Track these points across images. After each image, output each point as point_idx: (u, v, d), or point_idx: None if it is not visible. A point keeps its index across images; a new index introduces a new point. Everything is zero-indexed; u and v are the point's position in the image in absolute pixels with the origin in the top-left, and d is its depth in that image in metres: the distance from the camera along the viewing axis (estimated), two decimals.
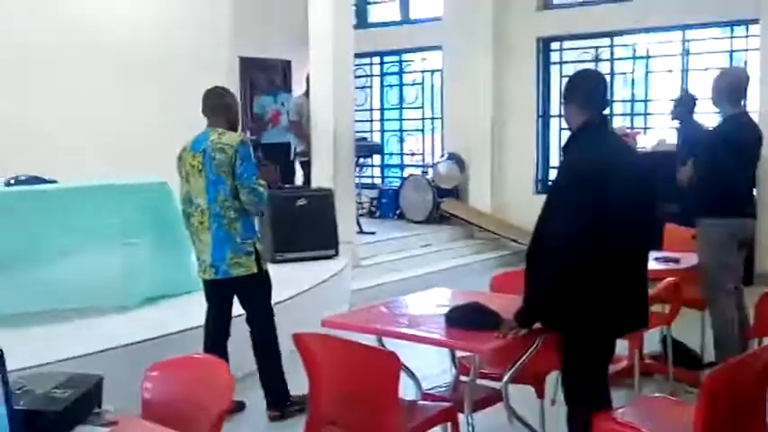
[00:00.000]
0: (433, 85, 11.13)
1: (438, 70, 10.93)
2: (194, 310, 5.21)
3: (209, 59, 9.07)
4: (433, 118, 11.13)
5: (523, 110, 10.05)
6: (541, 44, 10.00)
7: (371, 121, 11.85)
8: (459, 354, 3.76)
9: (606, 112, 3.20)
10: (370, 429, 2.95)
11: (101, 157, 7.25)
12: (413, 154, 11.63)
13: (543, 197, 10.10)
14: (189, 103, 8.51)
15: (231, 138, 4.29)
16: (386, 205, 10.79)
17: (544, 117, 10.12)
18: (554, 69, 10.08)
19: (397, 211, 10.48)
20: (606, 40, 9.66)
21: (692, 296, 4.91)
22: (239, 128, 4.55)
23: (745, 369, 2.83)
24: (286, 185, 8.80)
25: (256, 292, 4.41)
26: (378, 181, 11.78)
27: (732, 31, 8.80)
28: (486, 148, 10.18)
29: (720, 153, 4.70)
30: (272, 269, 6.83)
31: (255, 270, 4.32)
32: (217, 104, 4.42)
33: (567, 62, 10.02)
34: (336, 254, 7.27)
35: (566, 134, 9.80)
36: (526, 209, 9.85)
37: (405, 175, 11.21)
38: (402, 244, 9.19)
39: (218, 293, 4.45)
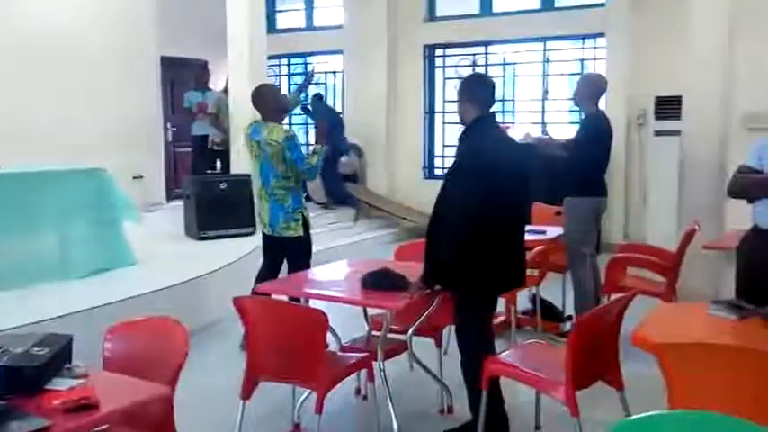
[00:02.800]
0: (335, 85, 11.16)
1: (339, 72, 10.98)
2: (131, 281, 5.16)
3: (133, 58, 8.86)
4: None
5: (413, 107, 10.25)
6: (428, 51, 10.21)
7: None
8: (371, 312, 3.90)
9: (494, 109, 3.36)
10: (301, 376, 3.05)
11: (37, 148, 7.00)
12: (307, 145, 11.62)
13: (430, 182, 10.49)
14: (116, 100, 8.41)
15: (279, 134, 4.60)
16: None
17: (430, 113, 10.35)
18: (438, 72, 10.32)
19: (305, 194, 10.44)
20: (482, 49, 9.96)
21: (556, 262, 5.23)
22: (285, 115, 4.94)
23: (603, 318, 3.08)
24: (208, 172, 8.71)
25: (299, 251, 4.77)
26: None
27: (583, 43, 9.25)
28: (381, 140, 10.34)
29: (585, 144, 4.99)
30: (198, 245, 6.91)
31: (302, 233, 4.73)
32: (258, 103, 4.78)
33: (449, 66, 10.27)
34: (255, 231, 7.26)
35: (448, 128, 10.19)
36: (415, 192, 10.16)
37: None
38: (311, 222, 9.21)
39: (270, 245, 4.87)
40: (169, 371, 2.43)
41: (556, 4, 9.32)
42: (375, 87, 10.27)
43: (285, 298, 3.70)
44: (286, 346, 3.01)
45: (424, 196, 10.00)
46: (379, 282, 3.36)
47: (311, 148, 4.72)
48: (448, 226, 3.14)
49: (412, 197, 10.14)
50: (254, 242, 6.98)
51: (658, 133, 7.91)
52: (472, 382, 3.26)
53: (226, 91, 8.40)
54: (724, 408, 2.18)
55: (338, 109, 11.02)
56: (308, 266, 4.58)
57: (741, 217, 5.51)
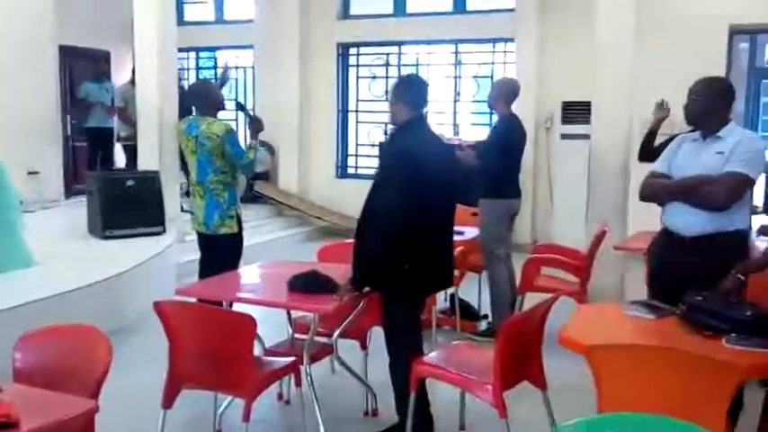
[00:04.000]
0: (245, 80, 10.92)
1: (250, 67, 10.76)
2: (31, 284, 4.86)
3: (29, 46, 8.36)
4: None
5: (326, 105, 10.18)
6: (341, 49, 10.16)
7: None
8: (294, 314, 3.82)
9: (425, 110, 3.36)
10: (227, 384, 2.95)
11: None
12: None
13: (344, 181, 10.43)
14: (9, 90, 7.89)
15: (219, 128, 4.55)
16: None
17: (343, 112, 10.31)
18: (352, 71, 10.29)
19: None
20: (395, 48, 10.01)
21: (473, 262, 5.32)
22: (221, 109, 4.81)
23: (529, 320, 3.15)
24: (111, 168, 8.35)
25: (233, 249, 4.69)
26: None
27: (494, 46, 9.46)
28: (293, 137, 10.21)
29: (498, 146, 5.09)
30: (104, 245, 6.59)
31: (236, 230, 4.67)
32: (193, 98, 4.78)
33: (362, 65, 10.27)
34: (164, 230, 7.00)
35: (361, 127, 10.17)
36: (328, 190, 10.11)
37: None
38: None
39: (205, 243, 4.76)
40: (90, 382, 2.29)
41: (468, 8, 9.47)
42: (287, 84, 10.12)
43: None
44: (211, 352, 2.90)
45: (338, 195, 10.04)
46: (306, 284, 3.30)
47: (247, 143, 4.66)
48: (378, 227, 3.12)
49: (325, 196, 10.08)
50: (166, 241, 6.76)
51: (564, 137, 8.21)
52: (400, 384, 3.26)
53: (132, 83, 8.04)
54: (651, 406, 2.28)
55: (249, 105, 10.79)
56: (236, 266, 4.52)
57: (644, 218, 5.83)
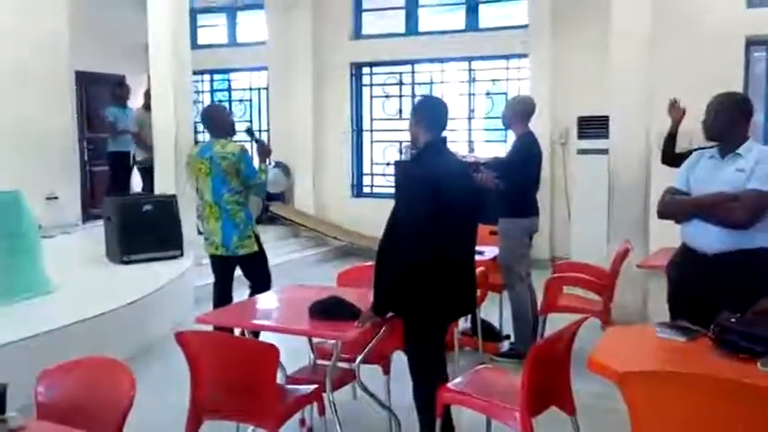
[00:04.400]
0: (260, 102, 10.96)
1: (264, 88, 10.80)
2: (51, 310, 4.85)
3: (46, 73, 8.44)
4: (260, 130, 10.96)
5: (340, 124, 10.19)
6: (354, 69, 10.18)
7: (204, 132, 11.42)
8: (315, 339, 3.78)
9: (445, 133, 3.33)
10: (251, 414, 2.90)
11: None
12: None
13: (359, 200, 10.44)
14: (29, 116, 7.97)
15: (233, 148, 4.68)
16: None
17: (358, 131, 10.31)
18: (365, 90, 10.30)
19: None
20: (408, 67, 10.01)
21: (494, 281, 5.25)
22: (234, 133, 4.96)
23: (556, 343, 3.08)
24: (127, 192, 8.37)
25: (258, 265, 4.84)
26: None
27: (507, 62, 9.43)
28: (308, 158, 10.23)
29: (516, 165, 5.05)
30: (122, 270, 6.58)
31: (256, 248, 4.78)
32: (209, 121, 4.86)
33: (376, 84, 10.28)
34: (182, 254, 7.00)
35: (376, 146, 10.16)
36: (344, 210, 10.10)
37: None
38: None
39: (224, 266, 4.88)
40: (113, 417, 2.25)
41: (480, 25, 9.46)
42: (301, 104, 10.15)
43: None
44: (234, 382, 2.86)
45: (354, 215, 10.02)
46: (328, 310, 3.26)
47: (257, 167, 4.81)
48: (400, 252, 3.07)
49: (340, 216, 10.06)
50: (183, 265, 6.74)
51: (581, 152, 8.14)
52: (425, 410, 3.20)
53: (147, 107, 8.08)
54: None
55: (263, 126, 10.85)
56: (268, 276, 4.76)
57: (665, 234, 5.75)
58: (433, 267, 3.11)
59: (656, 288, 5.65)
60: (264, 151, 4.87)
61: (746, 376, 2.44)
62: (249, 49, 10.82)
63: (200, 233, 8.22)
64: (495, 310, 5.57)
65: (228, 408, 2.91)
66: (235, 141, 4.82)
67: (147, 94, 8.17)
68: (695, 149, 5.31)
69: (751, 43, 7.92)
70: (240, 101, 11.21)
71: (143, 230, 6.80)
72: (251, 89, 11.07)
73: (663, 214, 3.41)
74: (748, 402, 2.25)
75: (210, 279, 7.52)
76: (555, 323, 4.80)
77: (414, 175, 3.21)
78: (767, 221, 3.09)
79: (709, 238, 3.11)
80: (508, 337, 5.41)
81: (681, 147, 5.16)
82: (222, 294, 4.88)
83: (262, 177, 4.73)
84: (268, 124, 10.75)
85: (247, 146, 5.18)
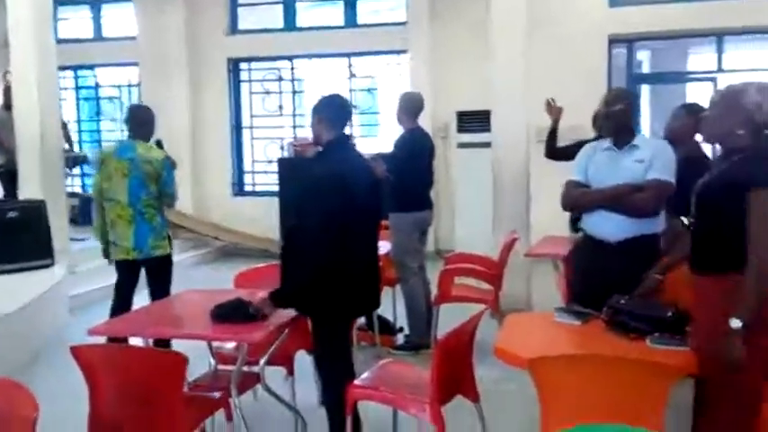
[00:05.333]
0: (130, 99, 10.49)
1: (135, 85, 10.35)
2: None
3: None
4: None
5: (218, 121, 9.96)
6: (231, 64, 9.97)
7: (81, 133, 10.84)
8: (215, 345, 3.69)
9: (348, 130, 3.34)
10: (157, 426, 2.79)
11: None
12: None
13: (240, 199, 10.20)
14: None
15: (158, 154, 4.71)
16: (89, 212, 9.92)
17: (237, 128, 10.11)
18: (244, 86, 10.12)
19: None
20: (287, 63, 9.93)
21: (387, 276, 5.33)
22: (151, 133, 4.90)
23: (462, 334, 3.18)
24: None
25: (167, 270, 4.82)
26: (78, 189, 10.81)
27: (387, 58, 9.56)
28: (185, 156, 9.88)
29: (404, 160, 5.14)
30: None
31: (169, 251, 4.82)
32: (138, 120, 4.77)
33: (255, 80, 10.12)
34: (53, 263, 6.59)
35: (257, 143, 10.02)
36: (225, 209, 9.88)
37: None
38: None
39: (132, 271, 4.81)
40: None
41: (359, 21, 9.54)
42: (176, 102, 9.82)
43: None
44: (138, 395, 2.74)
45: (235, 214, 9.82)
46: (231, 313, 3.18)
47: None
48: (307, 251, 3.06)
49: (221, 215, 9.85)
50: (54, 275, 6.36)
51: (462, 145, 8.42)
52: (335, 408, 3.21)
53: (7, 107, 7.51)
54: (595, 413, 2.36)
55: None
56: (168, 290, 4.69)
57: (545, 224, 6.06)
58: (340, 265, 3.12)
59: (538, 275, 5.96)
60: (171, 165, 4.88)
61: (639, 353, 2.64)
62: (117, 44, 10.33)
63: (73, 240, 7.82)
64: (389, 304, 5.65)
65: (133, 422, 2.79)
66: (157, 149, 4.80)
67: (7, 92, 7.60)
68: (576, 143, 5.66)
69: (613, 40, 8.49)
70: (110, 98, 10.69)
71: (8, 239, 6.34)
72: (120, 86, 10.57)
73: (568, 207, 3.58)
74: (644, 376, 2.44)
75: (88, 287, 7.29)
76: (446, 313, 4.97)
77: (319, 173, 3.19)
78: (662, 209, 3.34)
79: (613, 227, 3.30)
80: (402, 329, 5.52)
81: (571, 138, 5.47)
82: (124, 301, 4.76)
83: (177, 191, 4.84)
84: None
85: None
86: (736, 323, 2.40)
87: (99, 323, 3.29)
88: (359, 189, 3.15)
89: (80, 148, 10.85)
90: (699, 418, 2.66)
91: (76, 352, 2.75)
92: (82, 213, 9.92)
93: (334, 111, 3.29)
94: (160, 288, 4.64)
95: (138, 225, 4.65)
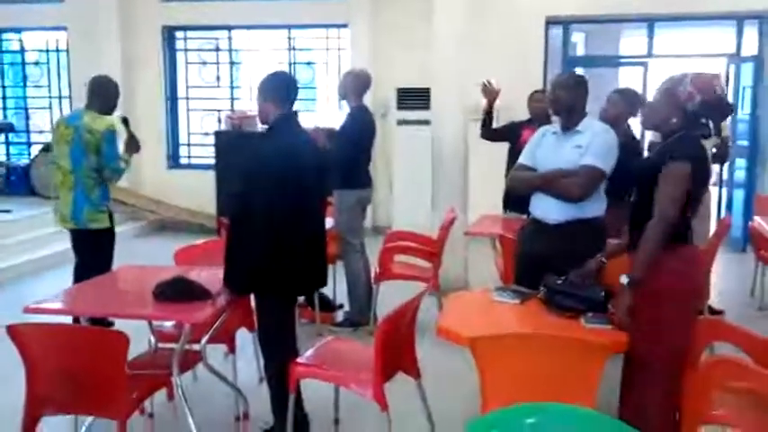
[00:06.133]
0: (59, 65, 10.08)
1: (64, 50, 9.93)
2: None
3: None
4: (60, 97, 10.12)
5: (153, 92, 9.67)
6: (166, 33, 9.68)
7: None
8: (155, 323, 3.65)
9: (295, 107, 3.32)
10: (98, 406, 2.77)
11: None
12: (41, 132, 10.45)
13: (176, 171, 9.96)
14: None
15: (101, 123, 4.68)
16: (14, 182, 9.59)
17: (173, 99, 9.86)
18: (180, 56, 9.85)
19: (30, 188, 9.39)
20: (225, 33, 9.72)
21: (328, 252, 5.34)
22: (114, 111, 4.94)
23: (404, 314, 3.24)
24: None
25: (106, 244, 4.77)
26: (2, 158, 10.38)
27: (327, 32, 9.47)
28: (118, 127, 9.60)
29: (348, 137, 5.15)
30: None
31: (108, 225, 4.75)
32: (96, 90, 4.79)
33: (191, 50, 9.86)
34: None
35: (193, 115, 9.81)
36: (160, 183, 9.66)
37: (33, 151, 10.09)
38: (40, 221, 8.25)
39: (76, 240, 4.81)
40: None
41: None
42: (107, 70, 9.16)
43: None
44: (78, 374, 2.70)
45: (171, 187, 9.61)
46: (175, 293, 3.16)
47: (120, 154, 4.85)
48: (252, 229, 3.05)
49: (157, 188, 9.63)
50: None
51: (401, 122, 8.46)
52: (278, 386, 3.24)
53: None
54: (533, 390, 2.47)
55: (65, 92, 10.03)
56: (111, 258, 4.73)
57: (482, 202, 6.19)
58: (288, 243, 3.13)
59: (475, 253, 6.10)
60: (134, 146, 4.95)
61: (574, 332, 2.76)
62: (44, 7, 9.85)
63: None
64: (329, 281, 5.67)
65: (72, 401, 2.76)
66: (106, 119, 4.75)
67: None
68: (509, 125, 5.79)
69: (549, 22, 8.64)
70: (36, 63, 10.25)
71: None
72: (48, 51, 10.14)
73: (512, 188, 3.70)
74: (580, 354, 2.56)
75: (12, 261, 7.07)
76: (385, 290, 5.05)
77: (266, 151, 3.17)
78: (599, 194, 3.47)
79: (550, 209, 3.43)
80: (341, 306, 5.56)
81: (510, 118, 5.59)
82: (81, 275, 4.67)
83: (120, 165, 4.74)
84: (69, 89, 9.92)
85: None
86: (624, 278, 2.71)
87: (34, 300, 3.21)
88: (306, 167, 3.16)
89: (4, 116, 10.42)
90: (625, 391, 2.82)
91: (12, 331, 2.69)
92: (8, 183, 9.56)
93: (280, 89, 3.27)
94: (97, 263, 4.52)
95: (76, 194, 4.66)
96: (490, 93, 5.62)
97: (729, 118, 6.56)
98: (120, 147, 4.90)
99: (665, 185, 2.67)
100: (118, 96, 4.94)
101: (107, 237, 4.80)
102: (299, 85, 3.39)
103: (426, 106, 7.20)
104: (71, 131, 4.67)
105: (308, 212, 3.27)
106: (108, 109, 4.85)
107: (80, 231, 4.75)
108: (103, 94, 4.81)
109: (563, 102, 3.46)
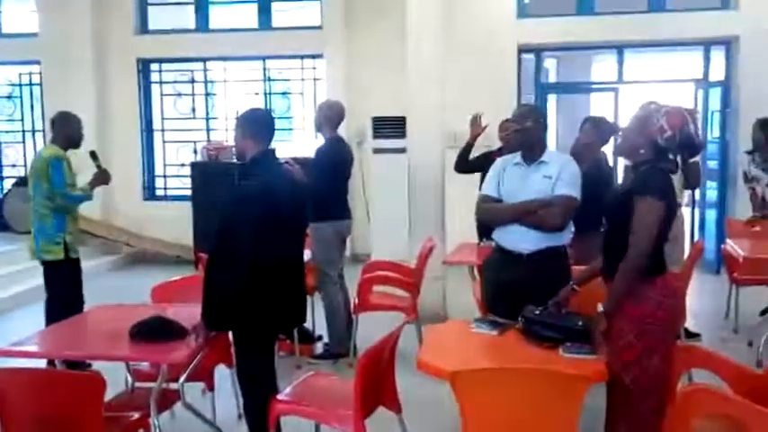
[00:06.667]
0: (32, 98, 10.01)
1: (37, 84, 9.87)
2: None
3: None
4: (34, 130, 10.04)
5: (128, 124, 9.63)
6: (141, 65, 9.68)
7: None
8: (132, 363, 3.60)
9: (273, 145, 3.33)
10: None
11: None
12: (14, 165, 10.34)
13: (152, 203, 9.87)
14: None
15: (48, 151, 4.83)
16: None
17: (148, 131, 9.83)
18: (155, 88, 9.84)
19: (2, 223, 9.26)
20: (200, 65, 9.74)
21: (306, 284, 5.31)
22: (80, 145, 5.03)
23: (383, 348, 3.23)
24: None
25: (61, 276, 4.77)
26: None
27: (302, 63, 9.52)
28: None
29: (323, 169, 5.14)
30: None
31: (62, 257, 4.75)
32: (57, 126, 4.94)
33: (166, 82, 9.86)
34: None
35: (169, 146, 9.76)
36: (135, 214, 9.58)
37: (5, 186, 9.98)
38: (11, 257, 8.09)
39: (43, 273, 4.87)
40: None
41: (274, 24, 9.46)
42: (82, 103, 9.28)
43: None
44: (53, 420, 2.65)
45: (147, 219, 9.52)
46: (152, 332, 3.12)
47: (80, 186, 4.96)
48: (234, 267, 3.03)
49: (131, 220, 9.55)
50: None
51: (377, 151, 8.50)
52: (258, 423, 3.21)
53: None
54: (513, 422, 2.47)
55: (38, 126, 9.94)
56: (76, 298, 4.72)
57: (459, 231, 6.21)
58: (268, 281, 3.12)
59: (453, 282, 6.10)
60: (102, 179, 5.00)
61: (552, 363, 2.77)
62: (16, 41, 9.82)
63: None
64: (308, 312, 5.63)
65: None
66: (53, 147, 4.85)
67: None
68: (483, 155, 5.81)
69: (522, 50, 8.77)
70: (9, 97, 10.17)
71: None
72: (21, 85, 10.08)
73: (482, 221, 3.70)
74: (560, 386, 2.57)
75: None
76: (364, 320, 5.03)
77: (246, 189, 3.17)
78: (570, 222, 3.51)
79: (521, 239, 3.44)
80: (320, 337, 5.52)
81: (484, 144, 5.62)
82: (48, 309, 4.78)
83: (71, 192, 4.77)
84: (43, 124, 9.84)
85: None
86: (600, 308, 2.79)
87: (9, 343, 3.16)
88: (286, 204, 3.17)
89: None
90: (612, 418, 2.83)
91: None
92: None
93: (259, 126, 3.28)
94: (63, 296, 4.63)
95: (35, 224, 4.80)
96: (476, 128, 5.71)
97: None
98: (87, 178, 5.00)
99: (640, 223, 2.68)
100: (80, 130, 5.02)
101: (65, 268, 4.79)
102: (275, 123, 3.39)
103: (402, 134, 7.24)
104: (31, 165, 4.89)
105: (290, 248, 3.27)
106: (72, 143, 4.94)
107: (42, 263, 4.82)
108: (65, 129, 4.92)
109: (528, 134, 3.51)
